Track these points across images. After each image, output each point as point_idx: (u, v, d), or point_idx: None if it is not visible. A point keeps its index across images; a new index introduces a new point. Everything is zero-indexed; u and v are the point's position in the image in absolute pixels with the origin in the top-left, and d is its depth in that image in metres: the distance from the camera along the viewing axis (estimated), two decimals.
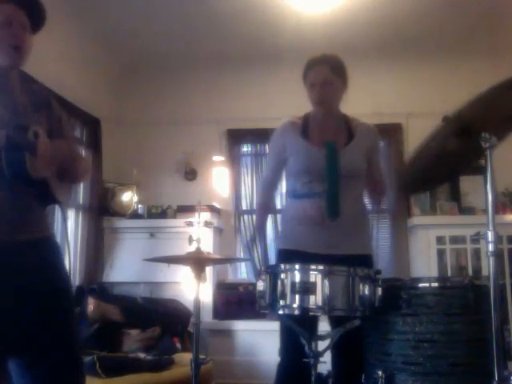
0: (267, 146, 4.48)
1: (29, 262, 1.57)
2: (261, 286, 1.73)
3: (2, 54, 1.61)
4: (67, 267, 1.75)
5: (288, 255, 2.20)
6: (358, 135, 2.26)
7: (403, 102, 4.42)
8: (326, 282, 1.60)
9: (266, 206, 2.50)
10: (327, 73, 2.19)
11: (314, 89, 2.20)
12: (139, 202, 4.45)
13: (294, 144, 2.26)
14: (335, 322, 1.90)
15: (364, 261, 2.10)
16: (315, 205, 2.14)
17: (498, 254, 1.41)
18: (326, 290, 1.60)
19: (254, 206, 4.52)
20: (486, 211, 1.44)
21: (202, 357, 2.15)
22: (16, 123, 1.53)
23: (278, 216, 4.33)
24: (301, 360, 1.74)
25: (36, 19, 1.71)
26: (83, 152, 4.27)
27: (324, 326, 1.98)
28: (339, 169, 2.14)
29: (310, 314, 1.66)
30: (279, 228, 4.09)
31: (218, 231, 4.48)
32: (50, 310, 1.58)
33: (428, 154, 1.54)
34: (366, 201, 2.41)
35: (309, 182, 2.20)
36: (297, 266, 1.67)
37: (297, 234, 2.23)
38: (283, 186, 2.59)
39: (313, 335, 1.73)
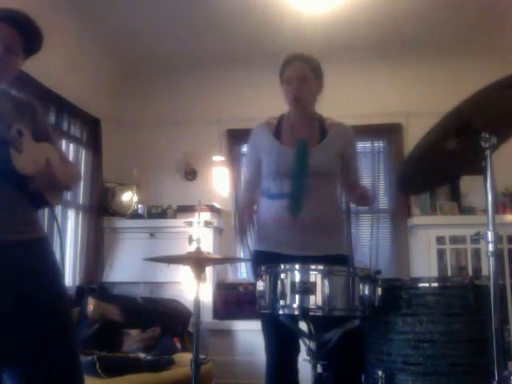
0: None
1: (19, 262, 1.56)
2: (261, 286, 1.73)
3: None
4: (61, 268, 1.74)
5: (263, 257, 2.15)
6: (331, 134, 2.24)
7: (403, 102, 4.42)
8: (326, 282, 1.60)
9: (248, 209, 2.39)
10: (305, 69, 2.18)
11: (290, 84, 2.18)
12: (139, 202, 4.45)
13: (266, 144, 2.25)
14: (335, 322, 1.90)
15: (339, 261, 2.10)
16: (285, 206, 2.14)
17: (497, 254, 1.40)
18: (326, 290, 1.60)
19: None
20: (486, 211, 1.44)
21: (201, 357, 2.15)
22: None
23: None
24: (290, 360, 1.74)
25: (31, 43, 1.69)
26: (82, 156, 4.28)
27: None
28: (307, 167, 2.13)
29: (310, 313, 1.66)
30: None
31: (218, 231, 4.48)
32: (40, 312, 1.57)
33: (427, 153, 1.54)
34: (343, 201, 2.38)
35: (280, 183, 2.19)
36: (297, 266, 1.67)
37: (271, 235, 2.20)
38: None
39: (314, 335, 1.73)
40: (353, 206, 4.26)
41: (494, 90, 1.35)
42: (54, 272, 1.68)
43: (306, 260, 1.88)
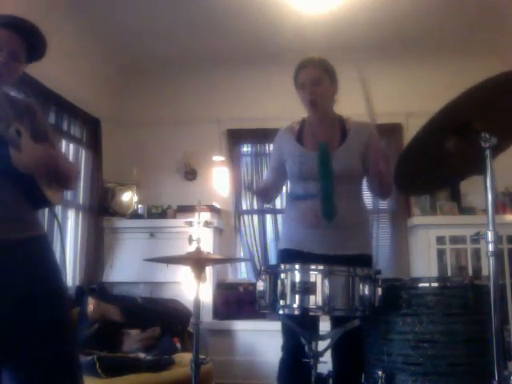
0: (267, 147, 4.53)
1: (19, 261, 1.56)
2: (261, 285, 1.73)
3: None
4: (61, 267, 1.74)
5: (289, 254, 2.22)
6: (351, 135, 2.26)
7: (403, 102, 4.41)
8: (326, 282, 1.60)
9: (262, 192, 2.50)
10: (316, 72, 2.21)
11: (304, 89, 2.22)
12: (139, 201, 4.45)
13: (289, 148, 2.30)
14: (335, 321, 1.90)
15: (363, 261, 2.11)
16: (311, 206, 2.18)
17: (497, 254, 1.40)
18: (326, 290, 1.60)
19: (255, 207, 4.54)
20: (486, 211, 1.44)
21: (201, 357, 2.15)
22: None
23: (279, 216, 4.34)
24: (302, 357, 1.74)
25: (34, 50, 1.71)
26: (82, 156, 4.28)
27: (326, 326, 1.98)
28: (332, 169, 2.15)
29: (310, 313, 1.66)
30: (280, 229, 4.10)
31: (218, 231, 4.48)
32: (40, 312, 1.57)
33: (420, 150, 1.54)
34: (367, 201, 2.41)
35: (304, 184, 2.24)
36: (297, 266, 1.67)
37: (296, 235, 2.25)
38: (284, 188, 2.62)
39: (314, 335, 1.73)
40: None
41: (485, 87, 1.35)
42: (53, 271, 1.68)
43: (330, 259, 1.94)
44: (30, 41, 1.68)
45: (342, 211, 2.15)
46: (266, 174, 2.56)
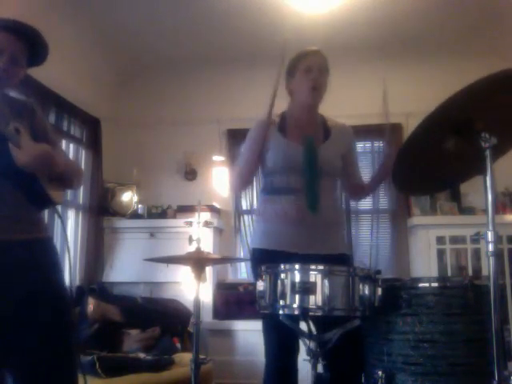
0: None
1: (21, 262, 1.56)
2: (261, 285, 1.73)
3: None
4: (65, 269, 1.74)
5: (263, 256, 2.12)
6: (335, 134, 2.24)
7: (403, 102, 4.40)
8: (326, 282, 1.60)
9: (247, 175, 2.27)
10: (323, 61, 2.19)
11: (308, 74, 2.15)
12: (139, 201, 4.46)
13: (272, 139, 2.19)
14: (335, 322, 1.90)
15: (342, 260, 2.11)
16: (293, 201, 2.12)
17: (498, 254, 1.40)
18: (326, 290, 1.60)
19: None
20: (486, 211, 1.44)
21: (202, 357, 2.15)
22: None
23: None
24: (290, 360, 1.73)
25: (35, 53, 1.69)
26: (82, 156, 4.28)
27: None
28: (318, 163, 2.12)
29: (310, 313, 1.66)
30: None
31: (218, 231, 4.48)
32: (41, 313, 1.57)
33: (424, 152, 1.54)
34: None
35: (287, 178, 2.16)
36: (297, 266, 1.67)
37: (274, 232, 2.15)
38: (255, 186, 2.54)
39: (314, 335, 1.73)
40: (352, 205, 4.29)
41: (483, 84, 1.35)
42: (55, 273, 1.68)
43: (308, 259, 1.88)
44: (31, 45, 1.67)
45: (323, 209, 2.11)
46: (241, 161, 2.39)
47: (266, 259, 1.98)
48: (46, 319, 1.58)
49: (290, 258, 1.99)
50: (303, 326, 1.84)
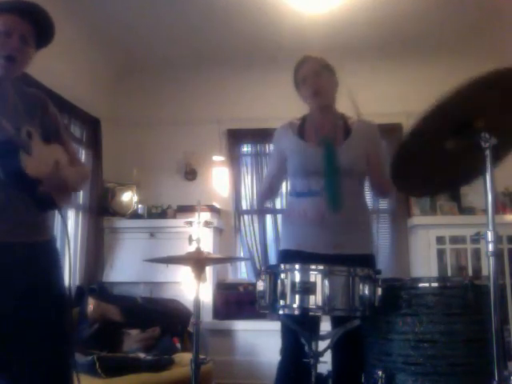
0: (267, 146, 4.53)
1: (21, 262, 1.56)
2: (261, 285, 1.73)
3: None
4: (66, 271, 1.74)
5: (289, 256, 2.19)
6: (355, 132, 2.24)
7: (403, 102, 4.41)
8: (326, 282, 1.60)
9: (267, 191, 2.44)
10: (316, 66, 2.23)
11: (306, 82, 2.22)
12: (139, 201, 4.45)
13: (291, 144, 2.26)
14: (335, 321, 1.90)
15: (366, 260, 2.08)
16: (314, 203, 2.15)
17: (497, 254, 1.40)
18: (326, 290, 1.60)
19: (255, 207, 4.53)
20: (485, 211, 1.44)
21: (202, 357, 2.15)
22: (8, 122, 1.50)
23: (279, 216, 4.34)
24: (301, 360, 1.74)
25: (43, 33, 1.69)
26: (82, 156, 4.28)
27: (326, 326, 1.98)
28: (337, 163, 2.13)
29: (310, 313, 1.66)
30: (280, 228, 4.09)
31: (218, 231, 4.48)
32: (39, 315, 1.57)
33: (423, 152, 1.54)
34: (368, 199, 2.40)
35: (307, 181, 2.20)
36: (297, 266, 1.67)
37: (297, 233, 2.21)
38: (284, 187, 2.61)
39: (314, 335, 1.73)
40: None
41: (475, 86, 1.35)
42: (56, 275, 1.67)
43: (333, 259, 1.91)
44: (39, 25, 1.66)
45: (345, 209, 2.12)
46: (266, 173, 2.50)
47: (289, 259, 2.07)
48: (45, 319, 1.58)
49: (310, 258, 2.03)
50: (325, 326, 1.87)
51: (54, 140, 1.73)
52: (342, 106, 2.32)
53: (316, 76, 2.20)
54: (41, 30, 1.67)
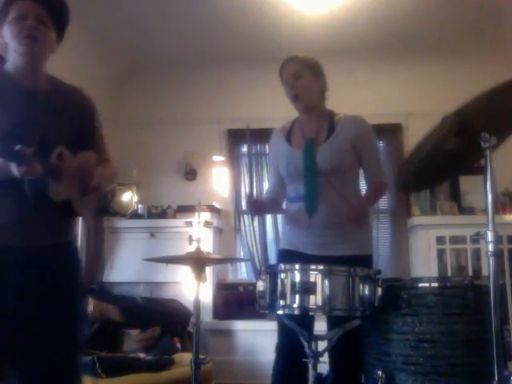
0: (267, 147, 4.52)
1: (38, 265, 1.55)
2: (261, 285, 1.73)
3: (19, 46, 1.60)
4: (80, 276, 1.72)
5: (287, 255, 2.21)
6: (338, 129, 2.20)
7: (403, 102, 4.41)
8: (326, 282, 1.60)
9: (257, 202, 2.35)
10: (296, 67, 2.22)
11: (287, 84, 2.23)
12: (139, 201, 4.45)
13: (280, 148, 2.30)
14: (335, 321, 1.90)
15: (361, 261, 2.02)
16: (301, 207, 2.17)
17: (497, 254, 1.41)
18: (326, 290, 1.60)
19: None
20: (485, 211, 1.44)
21: (202, 357, 2.15)
22: (40, 142, 1.46)
23: (279, 217, 4.34)
24: (296, 360, 1.74)
25: (58, 17, 1.71)
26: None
27: (320, 326, 1.98)
28: (314, 165, 2.13)
29: (310, 313, 1.66)
30: (280, 228, 4.10)
31: (218, 231, 4.48)
32: (38, 312, 1.56)
33: (426, 152, 1.54)
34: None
35: (294, 185, 2.22)
36: (297, 266, 1.67)
37: (292, 236, 2.25)
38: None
39: (310, 335, 1.73)
40: None
41: (496, 93, 1.35)
42: (71, 278, 1.66)
43: (328, 260, 1.89)
44: (51, 7, 1.67)
45: (333, 210, 2.10)
46: (268, 180, 2.55)
47: (287, 258, 2.12)
48: (46, 319, 1.57)
49: (305, 258, 2.06)
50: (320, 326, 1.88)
51: (85, 143, 1.70)
52: (338, 103, 2.31)
53: (295, 79, 2.20)
54: (55, 13, 1.69)
